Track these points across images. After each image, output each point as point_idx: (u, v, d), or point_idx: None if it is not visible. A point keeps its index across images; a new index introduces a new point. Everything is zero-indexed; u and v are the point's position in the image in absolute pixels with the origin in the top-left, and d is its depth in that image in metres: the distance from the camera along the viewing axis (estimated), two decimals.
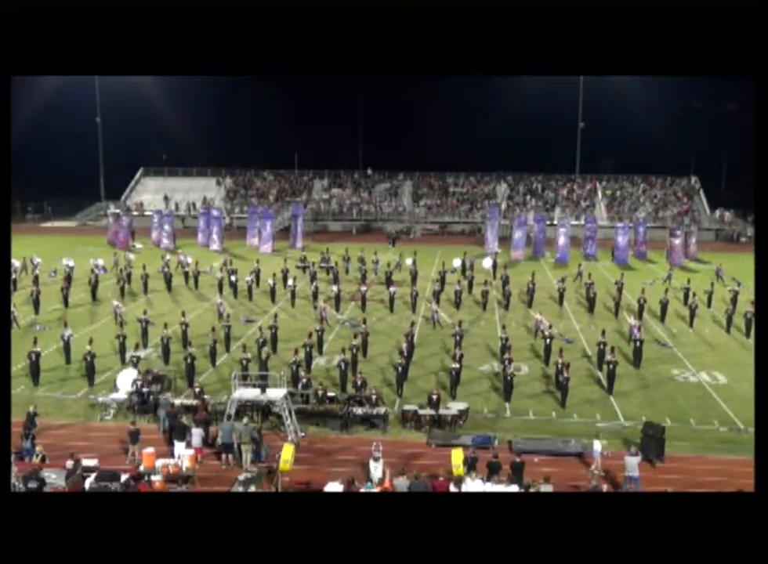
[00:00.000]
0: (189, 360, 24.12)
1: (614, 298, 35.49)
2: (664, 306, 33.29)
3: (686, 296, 35.15)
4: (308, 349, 25.85)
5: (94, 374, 24.36)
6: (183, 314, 29.12)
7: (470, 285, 38.23)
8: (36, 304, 33.67)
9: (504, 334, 27.53)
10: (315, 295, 35.44)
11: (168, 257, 42.65)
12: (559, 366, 23.52)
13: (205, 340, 26.99)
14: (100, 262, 41.53)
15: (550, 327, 28.02)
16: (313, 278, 38.50)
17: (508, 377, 23.34)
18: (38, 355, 24.44)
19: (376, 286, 39.54)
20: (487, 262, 43.86)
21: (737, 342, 30.24)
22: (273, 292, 36.50)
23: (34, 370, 24.32)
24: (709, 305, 35.41)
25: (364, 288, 36.31)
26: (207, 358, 26.31)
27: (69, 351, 26.37)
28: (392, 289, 36.02)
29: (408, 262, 42.47)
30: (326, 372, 25.68)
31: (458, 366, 23.88)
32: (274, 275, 37.68)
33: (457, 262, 43.62)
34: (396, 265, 42.15)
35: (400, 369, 23.85)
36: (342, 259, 44.82)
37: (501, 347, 27.10)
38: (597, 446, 18.45)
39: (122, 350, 26.23)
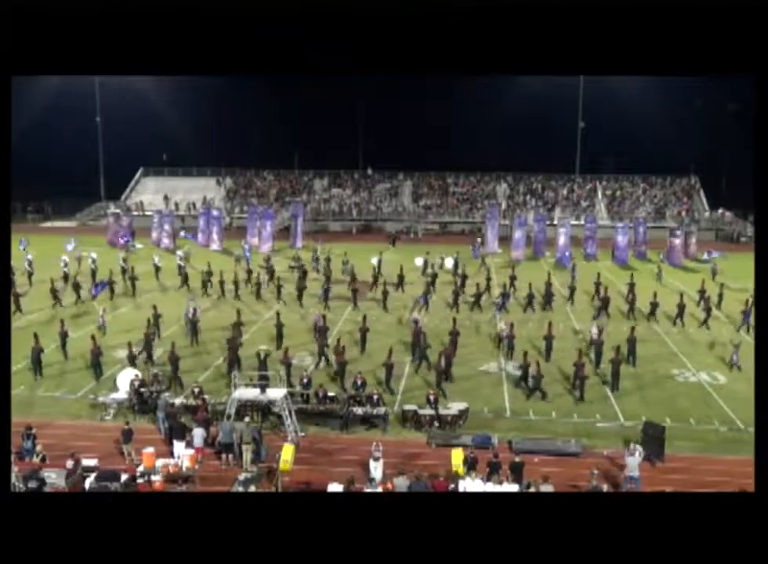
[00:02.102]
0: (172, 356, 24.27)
1: (626, 298, 35.22)
2: (681, 309, 32.52)
3: (701, 297, 35.00)
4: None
5: (101, 370, 24.74)
6: (194, 311, 29.61)
7: (463, 284, 38.16)
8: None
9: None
10: (300, 295, 35.85)
11: (156, 258, 43.02)
12: (576, 366, 23.85)
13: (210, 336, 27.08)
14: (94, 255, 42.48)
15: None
16: (303, 277, 38.84)
17: (533, 379, 23.62)
18: (40, 350, 24.88)
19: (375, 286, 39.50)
20: (449, 262, 43.95)
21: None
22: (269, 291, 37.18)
23: (36, 364, 24.79)
24: (719, 306, 35.22)
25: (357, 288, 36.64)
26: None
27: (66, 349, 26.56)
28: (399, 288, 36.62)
29: (449, 263, 43.53)
30: (326, 373, 25.70)
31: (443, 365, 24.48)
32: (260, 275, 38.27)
33: (419, 261, 43.59)
34: (440, 267, 42.93)
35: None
36: (312, 260, 44.99)
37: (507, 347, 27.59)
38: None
39: (148, 347, 26.24)
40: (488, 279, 38.96)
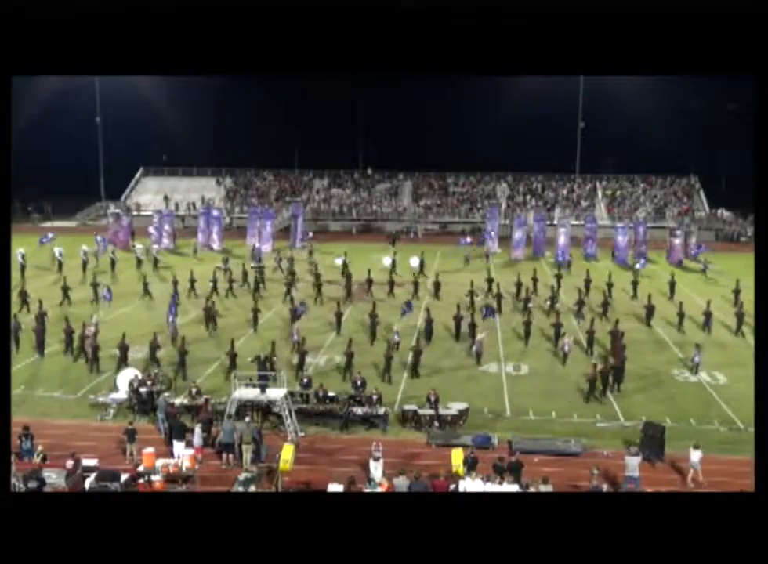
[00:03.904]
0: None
1: (670, 298, 34.62)
2: (740, 318, 31.42)
3: (736, 298, 34.61)
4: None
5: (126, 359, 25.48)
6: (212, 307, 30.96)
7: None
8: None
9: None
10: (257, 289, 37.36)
11: (140, 249, 46.08)
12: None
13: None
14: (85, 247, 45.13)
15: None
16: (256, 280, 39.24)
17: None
18: (42, 331, 27.12)
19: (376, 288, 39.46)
20: (414, 261, 43.70)
21: (737, 342, 30.23)
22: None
23: (40, 341, 26.99)
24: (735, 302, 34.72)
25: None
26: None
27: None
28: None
29: (414, 262, 43.22)
30: (324, 373, 25.70)
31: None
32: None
33: (387, 261, 43.29)
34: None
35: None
36: (275, 261, 44.76)
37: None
38: (695, 456, 17.93)
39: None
40: (534, 279, 38.10)
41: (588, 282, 37.16)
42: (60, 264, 42.95)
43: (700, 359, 26.12)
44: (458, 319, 29.69)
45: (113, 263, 43.59)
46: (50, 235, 47.33)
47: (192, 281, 37.54)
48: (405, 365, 26.07)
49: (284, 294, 36.23)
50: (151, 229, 55.42)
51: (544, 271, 44.74)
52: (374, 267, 42.13)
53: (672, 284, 37.01)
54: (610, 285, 36.70)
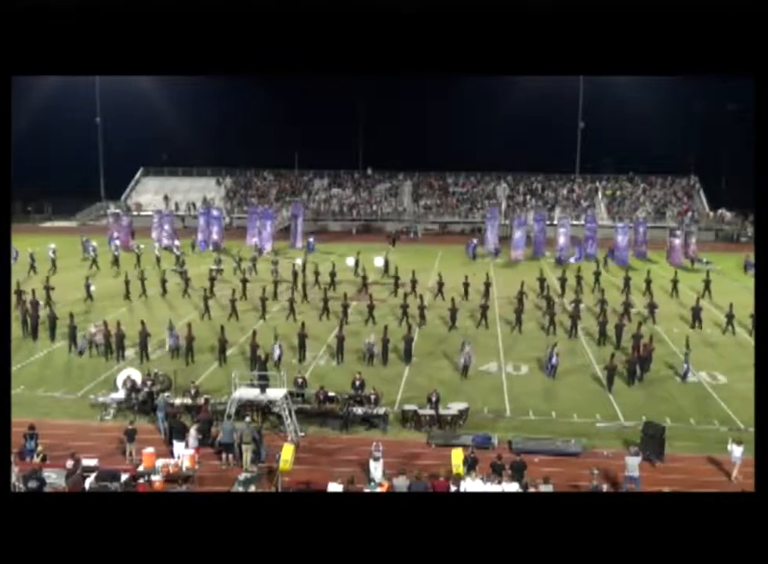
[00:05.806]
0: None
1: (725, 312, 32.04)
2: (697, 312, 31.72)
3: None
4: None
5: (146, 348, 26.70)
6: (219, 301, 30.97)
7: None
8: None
9: None
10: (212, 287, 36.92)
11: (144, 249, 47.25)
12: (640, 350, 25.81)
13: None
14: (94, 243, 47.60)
15: None
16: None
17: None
18: (36, 316, 28.92)
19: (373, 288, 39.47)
20: (379, 261, 43.45)
21: (737, 342, 30.21)
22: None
23: (34, 326, 28.75)
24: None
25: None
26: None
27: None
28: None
29: (379, 262, 42.97)
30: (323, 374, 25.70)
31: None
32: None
33: (350, 261, 42.97)
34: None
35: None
36: (234, 260, 44.49)
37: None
38: (737, 451, 17.78)
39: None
40: (579, 277, 37.57)
41: (627, 280, 37.30)
42: (95, 260, 44.68)
43: (690, 366, 25.59)
44: (484, 308, 31.85)
45: (138, 258, 44.98)
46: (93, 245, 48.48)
47: (210, 279, 38.07)
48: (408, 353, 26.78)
49: (241, 291, 36.25)
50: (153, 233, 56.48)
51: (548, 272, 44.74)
52: (369, 267, 42.23)
53: (707, 283, 36.93)
54: (648, 282, 36.85)
